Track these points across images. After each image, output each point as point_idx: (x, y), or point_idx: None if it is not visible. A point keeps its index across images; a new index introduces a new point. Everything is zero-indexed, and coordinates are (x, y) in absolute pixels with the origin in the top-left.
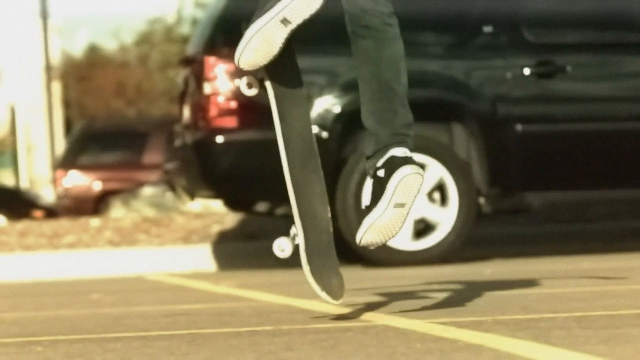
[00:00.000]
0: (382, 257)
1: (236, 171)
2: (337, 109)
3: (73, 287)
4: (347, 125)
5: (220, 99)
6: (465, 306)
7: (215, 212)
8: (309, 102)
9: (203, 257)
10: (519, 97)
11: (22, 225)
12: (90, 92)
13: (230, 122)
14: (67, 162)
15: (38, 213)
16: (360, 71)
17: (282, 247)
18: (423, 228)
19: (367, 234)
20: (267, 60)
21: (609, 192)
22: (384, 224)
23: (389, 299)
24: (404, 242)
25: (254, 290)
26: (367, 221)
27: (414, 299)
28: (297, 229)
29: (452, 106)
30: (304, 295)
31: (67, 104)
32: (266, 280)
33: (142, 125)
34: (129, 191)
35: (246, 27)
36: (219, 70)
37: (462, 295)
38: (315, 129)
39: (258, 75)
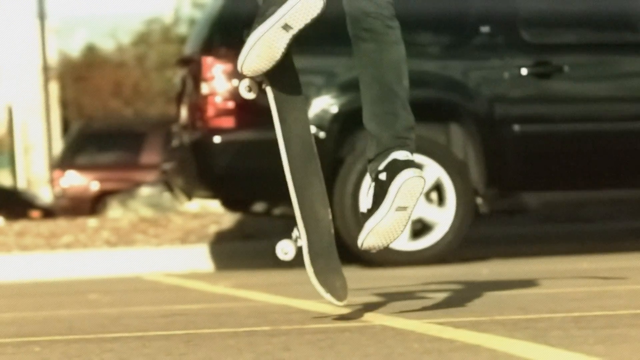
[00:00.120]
0: (380, 257)
1: (234, 171)
2: (334, 109)
3: (70, 287)
4: (345, 125)
5: (218, 99)
6: (463, 306)
7: (212, 213)
8: (307, 104)
9: (200, 257)
10: (517, 98)
11: (19, 225)
12: (87, 92)
13: (228, 122)
14: (64, 162)
15: (35, 213)
16: (361, 74)
17: (285, 249)
18: (420, 228)
19: (369, 238)
20: (269, 65)
21: (606, 192)
22: (385, 228)
23: (386, 299)
24: (402, 242)
25: (251, 290)
26: (369, 225)
27: (411, 299)
28: (299, 231)
29: (450, 106)
30: (301, 296)
31: (64, 104)
32: (264, 281)
33: (140, 125)
34: (126, 191)
35: (248, 34)
36: (217, 71)
37: (460, 296)
38: (312, 129)
39: (257, 79)
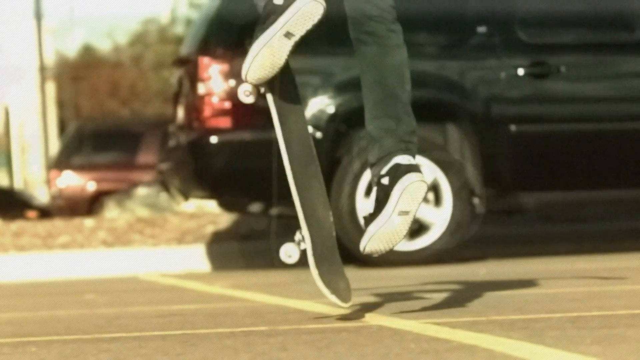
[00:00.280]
0: (377, 257)
1: (230, 171)
2: (331, 110)
3: (67, 287)
4: (341, 125)
5: (215, 100)
6: (460, 306)
7: (209, 213)
8: (304, 105)
9: (197, 257)
10: (513, 98)
11: (16, 225)
12: (84, 93)
13: (225, 122)
14: (61, 162)
15: (32, 213)
16: (363, 77)
17: (289, 253)
18: (417, 228)
19: (372, 242)
20: (273, 73)
21: (603, 192)
22: (388, 232)
23: (383, 300)
24: None
25: (248, 290)
26: (372, 229)
27: (408, 300)
28: (303, 234)
29: (446, 106)
30: (298, 296)
31: (61, 104)
32: (260, 281)
33: (136, 125)
34: (123, 191)
35: (250, 43)
36: (213, 71)
37: (457, 296)
38: (310, 130)
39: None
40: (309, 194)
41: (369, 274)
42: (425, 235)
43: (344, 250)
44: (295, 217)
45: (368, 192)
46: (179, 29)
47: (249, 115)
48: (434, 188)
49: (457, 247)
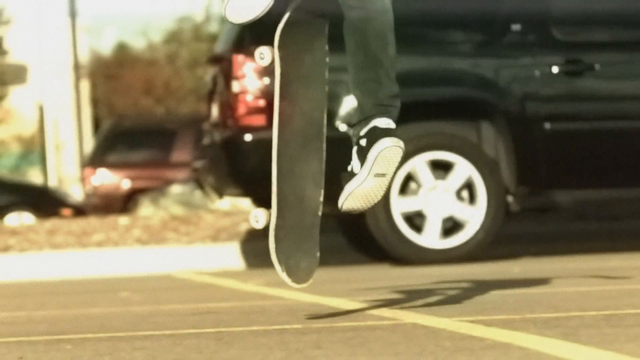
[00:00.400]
0: (411, 255)
1: (265, 169)
2: None
3: (101, 285)
4: None
5: (249, 98)
6: (494, 304)
7: (243, 210)
8: (325, 87)
9: (231, 255)
10: (548, 96)
11: (50, 223)
12: (118, 91)
13: (259, 120)
14: (95, 160)
15: (66, 211)
16: (347, 41)
17: (257, 217)
18: (451, 226)
19: (349, 200)
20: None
21: (637, 190)
22: (364, 192)
23: (417, 297)
24: (433, 240)
25: (282, 288)
26: (349, 188)
27: (442, 297)
28: (272, 205)
29: (481, 104)
30: (332, 293)
31: (95, 102)
32: None
33: (171, 123)
34: (157, 189)
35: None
36: (248, 69)
37: (491, 294)
38: (343, 127)
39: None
40: (302, 167)
41: (402, 271)
42: (459, 234)
43: (378, 248)
44: (328, 214)
45: (403, 190)
46: (213, 27)
47: None
48: (469, 186)
49: (491, 245)
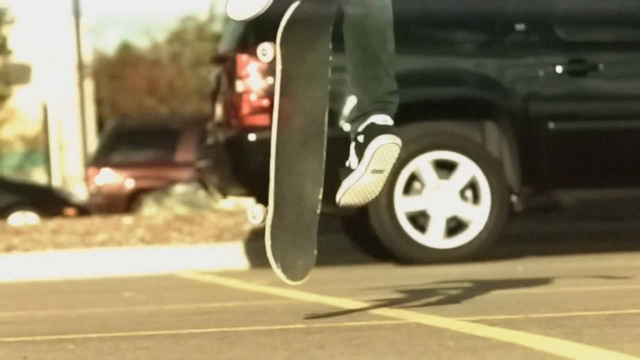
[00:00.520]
0: (414, 254)
1: (268, 169)
2: None
3: (105, 285)
4: None
5: (253, 97)
6: (497, 304)
7: (247, 210)
8: (327, 85)
9: (235, 255)
10: (551, 95)
11: (54, 223)
12: (122, 90)
13: (263, 120)
14: (99, 160)
15: (70, 211)
16: (346, 38)
17: (254, 213)
18: (455, 226)
19: (346, 196)
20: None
21: None
22: (362, 188)
23: (420, 297)
24: (436, 240)
25: (285, 288)
26: (346, 183)
27: (445, 297)
28: (269, 201)
29: (485, 104)
30: (335, 293)
31: (99, 101)
32: None
33: (174, 123)
34: (161, 189)
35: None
36: (251, 68)
37: (494, 293)
38: (347, 127)
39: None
40: (301, 165)
41: (405, 271)
42: (463, 233)
43: (382, 248)
44: (332, 213)
45: (407, 190)
46: (217, 27)
47: None
48: (472, 186)
49: (495, 245)
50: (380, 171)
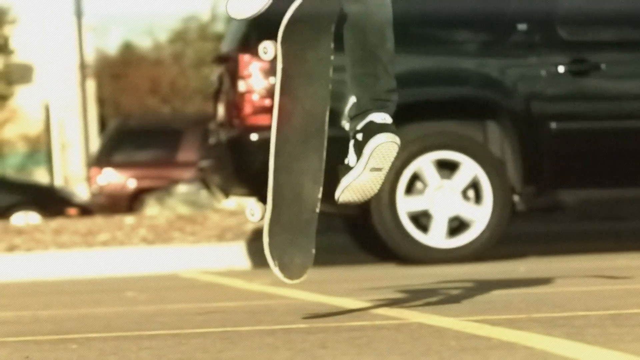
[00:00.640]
0: (417, 254)
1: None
2: None
3: (107, 284)
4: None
5: (255, 97)
6: (500, 304)
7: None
8: (328, 84)
9: (237, 254)
10: (554, 95)
11: (56, 223)
12: (124, 90)
13: (265, 119)
14: (101, 159)
15: (72, 211)
16: (346, 36)
17: (253, 211)
18: (457, 226)
19: (345, 193)
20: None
21: None
22: (360, 185)
23: (422, 297)
24: (439, 239)
25: (288, 288)
26: (345, 181)
27: (447, 297)
28: (268, 199)
29: (487, 104)
30: (338, 293)
31: (101, 101)
32: None
33: (177, 123)
34: (163, 189)
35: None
36: (254, 68)
37: (496, 293)
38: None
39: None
40: (302, 164)
41: (408, 271)
42: (465, 233)
43: (384, 248)
44: (336, 214)
45: (409, 190)
46: (219, 27)
47: None
48: (475, 186)
49: (497, 244)
50: (379, 169)
